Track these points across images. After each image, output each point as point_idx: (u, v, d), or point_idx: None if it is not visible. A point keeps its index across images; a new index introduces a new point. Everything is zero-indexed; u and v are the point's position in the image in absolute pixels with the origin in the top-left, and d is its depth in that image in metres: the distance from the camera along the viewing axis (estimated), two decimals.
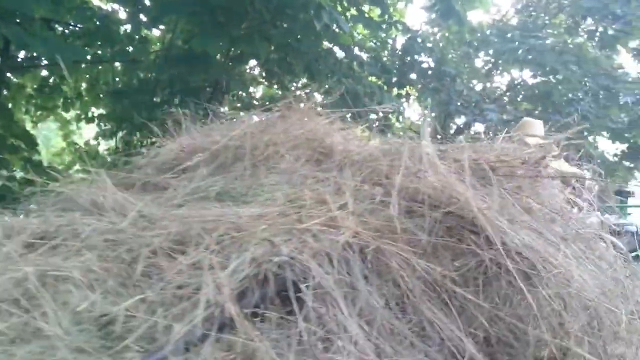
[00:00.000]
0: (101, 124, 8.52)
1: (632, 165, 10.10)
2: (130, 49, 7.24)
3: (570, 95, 8.50)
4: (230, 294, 1.22)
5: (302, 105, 2.24)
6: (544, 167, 1.79)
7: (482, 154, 1.77)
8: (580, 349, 1.36)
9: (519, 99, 9.95)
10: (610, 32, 8.33)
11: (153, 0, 6.00)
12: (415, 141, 1.88)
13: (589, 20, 8.91)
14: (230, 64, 6.90)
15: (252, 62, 8.38)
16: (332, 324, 1.24)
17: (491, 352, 1.46)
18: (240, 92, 9.10)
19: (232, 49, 6.48)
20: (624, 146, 9.69)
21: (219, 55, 6.46)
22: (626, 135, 8.83)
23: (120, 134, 8.21)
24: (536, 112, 9.57)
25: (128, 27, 7.09)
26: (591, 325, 1.40)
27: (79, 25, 6.56)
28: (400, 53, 8.53)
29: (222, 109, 8.89)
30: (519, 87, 10.01)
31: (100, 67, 7.90)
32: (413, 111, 12.02)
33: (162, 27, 7.18)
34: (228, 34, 5.05)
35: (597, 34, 8.87)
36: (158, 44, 7.88)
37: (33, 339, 1.21)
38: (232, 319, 1.19)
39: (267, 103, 8.96)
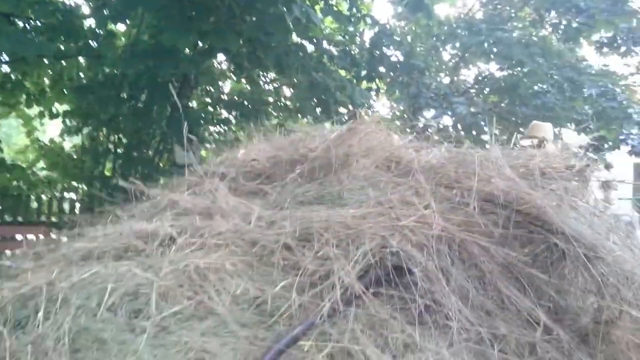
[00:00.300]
0: (66, 120, 8.32)
1: (596, 156, 10.33)
2: (95, 44, 7.10)
3: (536, 87, 8.62)
4: (356, 277, 1.63)
5: (368, 119, 2.79)
6: (589, 172, 2.25)
7: (533, 160, 2.23)
8: (635, 311, 1.76)
9: (486, 92, 10.06)
10: (574, 25, 8.49)
11: None
12: (482, 149, 2.39)
13: (553, 14, 9.06)
14: (198, 58, 6.81)
15: (221, 57, 8.30)
16: (437, 297, 1.66)
17: (558, 319, 1.82)
18: (208, 87, 9.01)
19: (201, 43, 6.40)
20: (589, 138, 9.89)
21: (187, 49, 6.37)
22: (590, 126, 9.01)
23: (85, 130, 8.04)
24: (503, 104, 9.72)
25: (92, 21, 6.95)
26: (637, 294, 1.81)
27: (41, 20, 6.39)
28: (368, 46, 8.53)
29: (190, 104, 8.81)
30: (486, 80, 10.13)
31: (64, 63, 7.71)
32: (382, 105, 12.08)
33: (127, 21, 7.03)
34: (197, 28, 4.97)
35: (561, 27, 9.03)
36: (123, 38, 7.73)
37: (207, 316, 1.56)
38: (359, 296, 1.61)
39: (236, 98, 8.95)
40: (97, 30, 6.98)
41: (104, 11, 5.91)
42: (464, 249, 1.86)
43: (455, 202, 2.02)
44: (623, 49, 8.74)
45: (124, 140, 7.82)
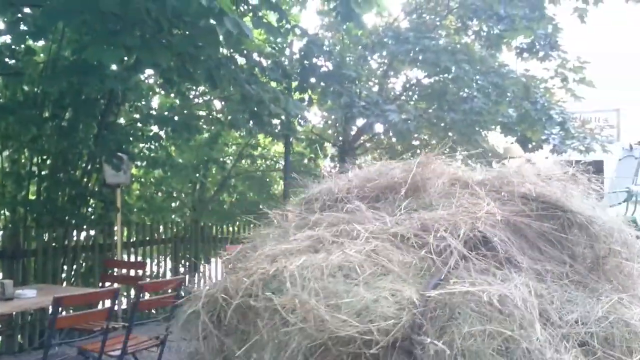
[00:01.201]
0: None
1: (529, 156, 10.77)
2: (13, 61, 6.74)
3: (462, 93, 8.87)
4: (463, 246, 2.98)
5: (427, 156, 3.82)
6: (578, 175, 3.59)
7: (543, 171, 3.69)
8: (617, 247, 3.12)
9: (415, 99, 10.27)
10: (496, 31, 8.81)
11: (36, 9, 5.58)
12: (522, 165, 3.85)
13: (475, 21, 9.37)
14: (125, 73, 6.59)
15: (149, 71, 8.09)
16: (509, 253, 2.95)
17: (576, 259, 3.17)
18: (136, 103, 8.74)
19: (126, 58, 6.19)
20: (513, 139, 10.28)
21: (113, 65, 6.15)
22: (515, 128, 9.36)
23: (6, 152, 7.61)
24: (431, 110, 9.95)
25: (7, 37, 6.58)
26: (617, 239, 3.19)
27: None
28: (299, 57, 8.54)
29: (118, 120, 8.52)
30: (414, 87, 10.34)
31: None
32: (314, 115, 12.11)
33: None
34: (123, 43, 4.79)
35: (483, 33, 9.36)
36: (43, 55, 7.37)
37: (389, 273, 2.81)
38: (467, 257, 2.95)
39: (166, 113, 8.74)
40: (14, 47, 6.63)
41: (21, 26, 5.60)
42: (516, 226, 3.20)
43: (504, 200, 3.39)
44: (541, 53, 9.16)
45: (49, 162, 7.45)
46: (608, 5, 8.89)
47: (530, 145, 10.32)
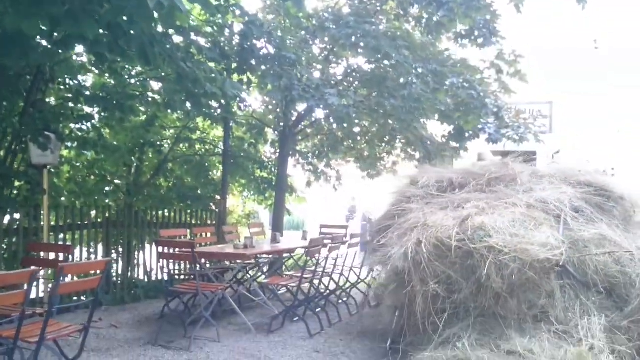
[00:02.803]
0: None
1: (458, 145, 10.95)
2: None
3: (402, 80, 8.91)
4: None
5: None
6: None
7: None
8: None
9: (355, 85, 10.26)
10: (436, 18, 8.88)
11: None
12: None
13: (416, 8, 9.41)
14: (54, 49, 6.25)
15: (81, 49, 7.73)
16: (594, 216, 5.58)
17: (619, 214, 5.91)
18: (68, 81, 8.35)
19: (55, 33, 5.87)
20: (451, 128, 10.43)
21: (41, 39, 5.82)
22: (453, 117, 9.49)
23: None
24: (372, 96, 9.98)
25: None
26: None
27: None
28: (239, 38, 8.36)
29: (48, 99, 8.10)
30: (355, 73, 10.33)
31: None
32: (255, 99, 11.93)
33: None
34: (48, 12, 4.51)
35: (424, 20, 9.41)
36: None
37: (539, 225, 5.14)
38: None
39: (100, 94, 8.38)
40: None
41: None
42: (580, 200, 5.57)
43: (573, 185, 5.82)
44: (480, 40, 9.30)
45: None
46: None
47: (466, 135, 10.51)
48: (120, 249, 8.85)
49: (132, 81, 9.33)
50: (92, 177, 10.20)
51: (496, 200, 5.45)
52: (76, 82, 8.53)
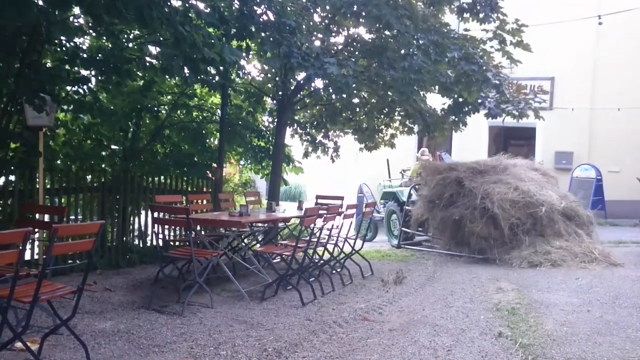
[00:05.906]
0: None
1: (456, 118, 10.91)
2: None
3: (403, 50, 8.81)
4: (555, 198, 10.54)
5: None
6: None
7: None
8: None
9: (356, 55, 10.14)
10: None
11: None
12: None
13: None
14: (50, 8, 6.14)
15: (78, 11, 7.60)
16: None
17: None
18: (64, 42, 8.22)
19: None
20: (450, 101, 10.37)
21: None
22: (454, 89, 9.41)
23: None
24: (372, 67, 9.88)
25: None
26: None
27: None
28: (238, 3, 8.22)
29: (43, 61, 7.97)
30: (355, 43, 10.21)
31: None
32: (254, 67, 11.81)
33: None
34: None
35: None
36: None
37: (538, 206, 9.64)
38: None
39: (97, 56, 8.26)
40: None
41: None
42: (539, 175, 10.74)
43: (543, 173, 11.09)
44: (482, 15, 9.18)
45: None
46: None
47: (465, 109, 10.45)
48: (116, 214, 8.84)
49: (130, 45, 9.20)
50: (88, 141, 10.14)
51: (514, 178, 10.07)
52: (72, 44, 8.40)
